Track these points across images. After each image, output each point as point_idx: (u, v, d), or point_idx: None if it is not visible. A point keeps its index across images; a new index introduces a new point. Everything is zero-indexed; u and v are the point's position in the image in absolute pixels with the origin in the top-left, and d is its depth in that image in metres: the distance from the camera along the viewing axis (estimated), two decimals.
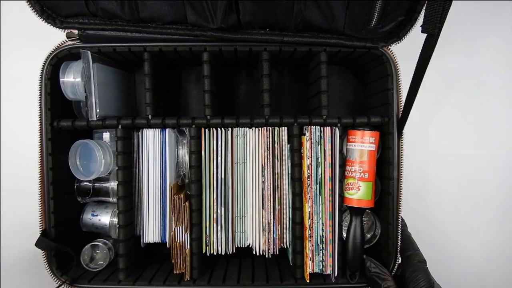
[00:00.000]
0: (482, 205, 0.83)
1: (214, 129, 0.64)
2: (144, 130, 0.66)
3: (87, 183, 0.70)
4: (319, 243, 0.63)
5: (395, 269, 0.63)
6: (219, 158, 0.64)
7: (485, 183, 0.83)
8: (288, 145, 0.65)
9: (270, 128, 0.65)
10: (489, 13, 0.82)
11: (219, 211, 0.65)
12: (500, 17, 0.82)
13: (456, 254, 0.84)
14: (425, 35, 0.50)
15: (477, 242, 0.84)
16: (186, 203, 0.64)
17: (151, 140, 0.66)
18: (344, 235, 0.67)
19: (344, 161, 0.66)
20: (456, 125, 0.83)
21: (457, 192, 0.83)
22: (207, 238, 0.65)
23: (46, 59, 0.61)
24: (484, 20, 0.82)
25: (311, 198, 0.63)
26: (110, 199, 0.70)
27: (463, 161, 0.83)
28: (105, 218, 0.70)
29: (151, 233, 0.67)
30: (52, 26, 0.60)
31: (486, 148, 0.83)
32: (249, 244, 0.67)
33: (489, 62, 0.82)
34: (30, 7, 0.58)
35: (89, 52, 0.61)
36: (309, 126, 0.63)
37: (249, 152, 0.65)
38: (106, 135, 0.72)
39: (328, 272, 0.64)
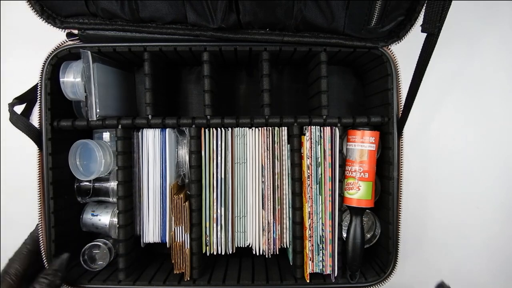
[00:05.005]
0: (482, 205, 0.83)
1: (214, 129, 0.64)
2: (144, 130, 0.66)
3: (87, 183, 0.70)
4: (319, 243, 0.63)
5: (395, 269, 0.63)
6: (219, 158, 0.64)
7: (485, 182, 0.83)
8: (288, 145, 0.65)
9: (270, 128, 0.65)
10: (489, 13, 0.82)
11: (219, 211, 0.65)
12: (500, 17, 0.82)
13: (456, 253, 0.84)
14: (425, 34, 0.50)
15: (477, 241, 0.84)
16: (186, 203, 0.64)
17: (151, 140, 0.66)
18: (344, 235, 0.67)
19: (344, 161, 0.66)
20: (456, 125, 0.83)
21: (457, 192, 0.83)
22: (207, 238, 0.65)
23: (46, 59, 0.61)
24: (484, 20, 0.82)
25: (311, 198, 0.63)
26: (110, 199, 0.70)
27: (463, 161, 0.83)
28: (105, 218, 0.70)
29: (151, 233, 0.67)
30: (52, 26, 0.60)
31: (486, 147, 0.83)
32: (249, 244, 0.67)
33: (489, 62, 0.82)
34: (30, 7, 0.58)
35: (89, 52, 0.61)
36: (309, 126, 0.63)
37: (249, 152, 0.65)
38: (106, 135, 0.72)
39: (328, 272, 0.64)
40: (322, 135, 0.62)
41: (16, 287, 0.56)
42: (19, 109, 0.62)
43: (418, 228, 0.83)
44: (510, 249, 0.83)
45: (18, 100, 0.61)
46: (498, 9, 0.82)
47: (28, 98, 0.63)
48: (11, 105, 0.60)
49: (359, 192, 0.63)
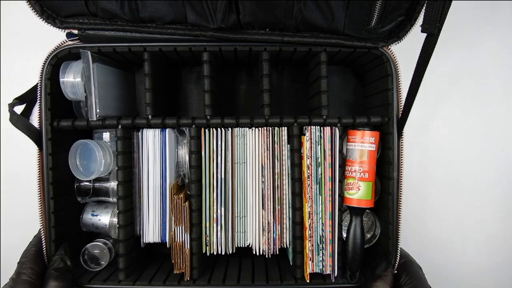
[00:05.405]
0: (482, 204, 0.83)
1: (214, 129, 0.64)
2: (144, 130, 0.66)
3: (87, 183, 0.70)
4: (319, 243, 0.63)
5: (395, 268, 0.63)
6: (219, 158, 0.64)
7: (485, 182, 0.83)
8: (288, 145, 0.65)
9: (270, 128, 0.65)
10: (488, 13, 0.82)
11: (219, 211, 0.65)
12: (499, 17, 0.82)
13: (456, 253, 0.84)
14: (425, 35, 0.50)
15: (476, 241, 0.84)
16: (186, 203, 0.64)
17: (151, 140, 0.66)
18: (344, 235, 0.67)
19: (344, 161, 0.66)
20: (456, 125, 0.83)
21: (457, 192, 0.83)
22: (207, 238, 0.65)
23: (46, 59, 0.61)
24: (484, 20, 0.82)
25: (311, 198, 0.63)
26: (110, 199, 0.70)
27: (463, 161, 0.83)
28: (105, 218, 0.70)
29: (151, 233, 0.67)
30: (52, 26, 0.60)
31: (486, 147, 0.83)
32: (249, 244, 0.67)
33: (489, 61, 0.82)
34: (30, 7, 0.58)
35: (89, 52, 0.61)
36: (309, 126, 0.63)
37: (249, 152, 0.65)
38: (106, 135, 0.72)
39: (328, 272, 0.64)
40: (322, 135, 0.62)
41: (37, 285, 0.57)
42: (19, 109, 0.62)
43: (418, 228, 0.83)
44: (510, 248, 0.83)
45: (18, 100, 0.61)
46: (497, 10, 0.82)
47: (28, 98, 0.63)
48: (11, 106, 0.60)
49: (359, 192, 0.63)
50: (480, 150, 0.83)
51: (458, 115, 0.83)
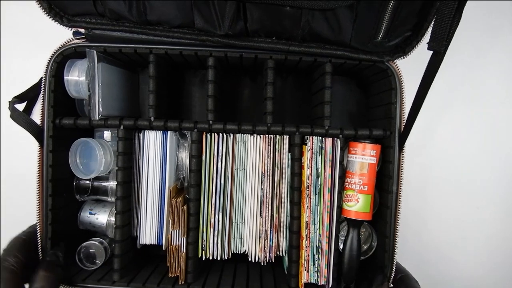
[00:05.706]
0: (482, 204, 0.83)
1: (216, 134, 0.64)
2: (146, 132, 0.66)
3: (86, 181, 0.70)
4: (315, 253, 0.63)
5: (390, 281, 0.63)
6: (219, 163, 0.64)
7: (485, 182, 0.83)
8: (289, 154, 0.65)
9: (272, 136, 0.65)
10: (492, 24, 0.82)
11: (216, 216, 0.65)
12: (503, 27, 0.82)
13: (456, 253, 0.84)
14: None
15: (476, 241, 0.83)
16: (184, 206, 0.64)
17: (152, 142, 0.66)
18: (341, 246, 0.67)
19: (344, 173, 0.66)
20: (456, 125, 0.83)
21: (457, 192, 0.83)
22: (204, 243, 0.65)
23: (51, 56, 0.61)
24: (487, 30, 0.82)
25: (309, 208, 0.63)
26: (109, 198, 0.70)
27: (462, 161, 0.83)
28: (102, 217, 0.70)
29: (147, 235, 0.67)
30: (59, 24, 0.60)
31: (486, 147, 0.83)
32: (245, 251, 0.67)
33: (489, 64, 0.82)
34: (39, 4, 0.58)
35: (94, 52, 0.61)
36: (311, 136, 0.63)
37: (249, 159, 0.65)
38: (107, 134, 0.72)
39: (323, 282, 0.64)
40: (323, 146, 0.62)
41: (19, 274, 0.55)
42: (19, 107, 0.62)
43: (418, 228, 0.83)
44: (510, 248, 0.83)
45: (18, 99, 0.61)
46: (501, 19, 0.81)
47: (28, 96, 0.63)
48: (11, 103, 0.60)
49: (358, 204, 0.63)
50: (480, 150, 0.83)
51: (459, 116, 0.83)
